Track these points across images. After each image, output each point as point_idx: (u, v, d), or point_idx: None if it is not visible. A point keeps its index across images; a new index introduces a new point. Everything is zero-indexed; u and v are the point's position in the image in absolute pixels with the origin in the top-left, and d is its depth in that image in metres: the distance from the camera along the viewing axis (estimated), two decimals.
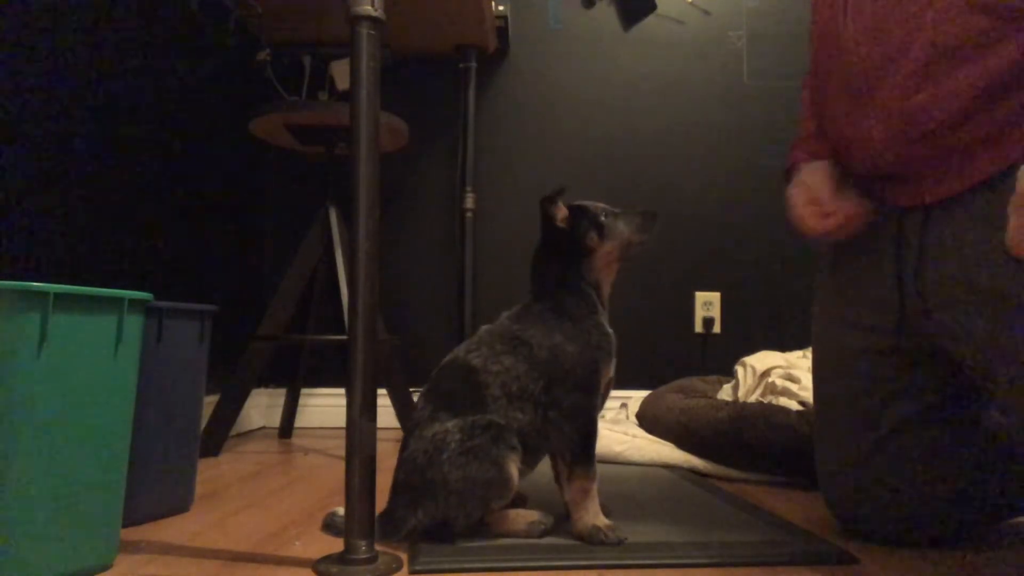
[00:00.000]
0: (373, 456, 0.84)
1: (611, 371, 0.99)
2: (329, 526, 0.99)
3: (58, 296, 0.77)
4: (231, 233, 2.06)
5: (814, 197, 1.00)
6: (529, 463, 0.97)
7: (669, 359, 2.23)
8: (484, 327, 1.03)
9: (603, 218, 1.01)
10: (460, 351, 1.00)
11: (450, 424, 0.92)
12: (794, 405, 1.48)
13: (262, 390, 2.16)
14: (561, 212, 1.01)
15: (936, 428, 0.95)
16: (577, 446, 0.94)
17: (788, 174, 1.08)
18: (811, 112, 1.09)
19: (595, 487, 0.94)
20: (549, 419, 0.95)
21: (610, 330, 0.99)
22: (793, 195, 1.02)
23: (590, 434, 0.94)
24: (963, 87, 0.82)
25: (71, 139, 1.33)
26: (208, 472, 1.42)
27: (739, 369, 1.76)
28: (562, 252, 1.01)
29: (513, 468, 0.91)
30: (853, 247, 1.02)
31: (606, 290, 1.03)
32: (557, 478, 1.01)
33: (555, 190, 1.00)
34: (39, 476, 0.76)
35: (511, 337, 0.97)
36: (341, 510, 1.00)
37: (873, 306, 0.98)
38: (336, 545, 0.87)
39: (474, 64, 2.23)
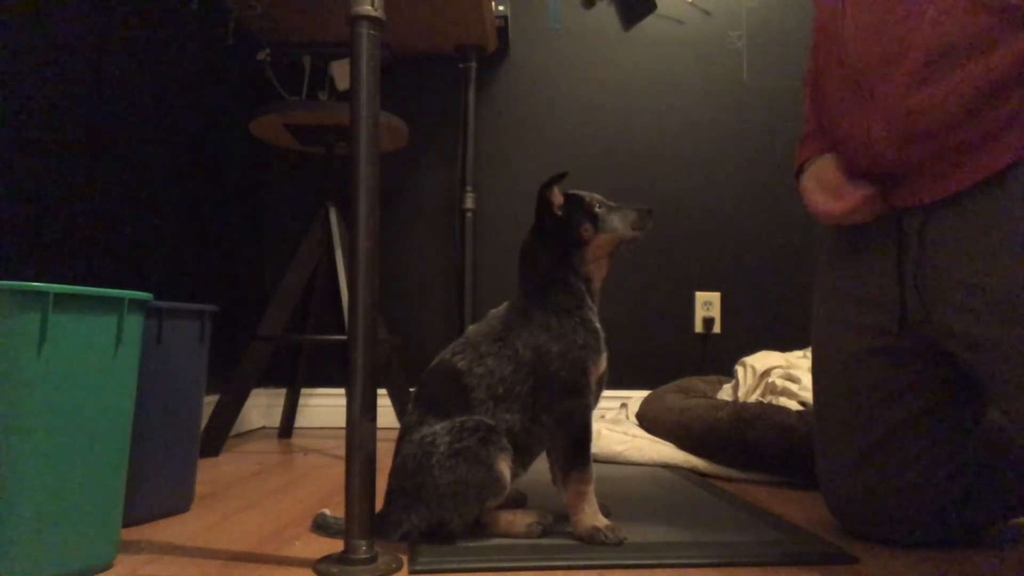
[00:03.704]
0: (373, 456, 0.84)
1: (602, 366, 0.97)
2: (320, 527, 0.99)
3: (58, 296, 0.77)
4: (231, 233, 2.06)
5: (826, 184, 1.00)
6: (522, 463, 0.97)
7: (669, 359, 2.23)
8: (471, 327, 1.03)
9: (598, 209, 0.99)
10: (446, 353, 0.99)
11: (438, 427, 0.92)
12: (794, 405, 1.48)
13: (262, 390, 2.16)
14: (557, 199, 0.99)
15: (936, 428, 0.95)
16: (571, 450, 0.93)
17: (798, 173, 1.08)
18: (813, 110, 1.09)
19: (591, 489, 0.93)
20: (542, 423, 0.94)
21: (598, 326, 0.98)
22: (807, 184, 1.03)
23: (584, 438, 0.94)
24: (964, 86, 0.82)
25: (70, 139, 1.33)
26: (208, 472, 1.42)
27: (739, 369, 1.76)
28: (554, 243, 0.99)
29: (504, 467, 0.91)
30: (853, 247, 1.02)
31: (597, 285, 1.01)
32: (555, 480, 1.01)
33: (554, 176, 0.98)
34: (39, 476, 0.76)
35: (496, 338, 0.96)
36: (329, 511, 1.00)
37: (874, 306, 0.98)
38: (336, 545, 0.87)
39: (474, 64, 2.23)
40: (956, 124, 0.83)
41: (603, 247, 1.00)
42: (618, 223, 1.00)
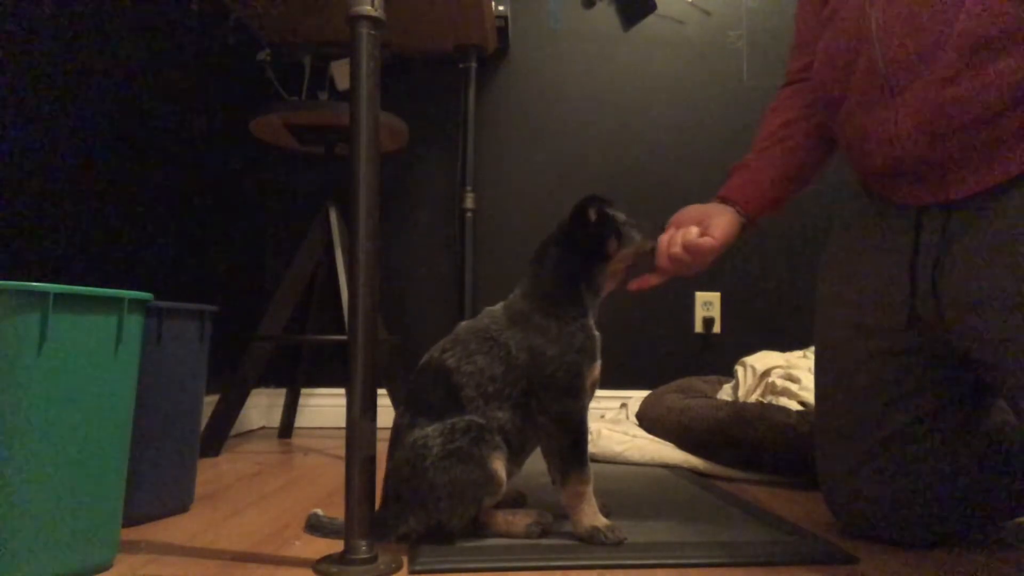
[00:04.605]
0: (373, 456, 0.84)
1: (595, 372, 0.98)
2: (314, 527, 0.99)
3: (58, 296, 0.77)
4: (231, 233, 2.06)
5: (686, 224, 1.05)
6: (515, 462, 0.97)
7: (669, 359, 2.23)
8: (463, 323, 1.02)
9: (623, 226, 1.02)
10: (435, 351, 0.99)
11: (429, 429, 0.91)
12: (794, 405, 1.48)
13: (262, 390, 2.16)
14: (592, 216, 1.01)
15: (939, 430, 0.95)
16: (568, 451, 0.93)
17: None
18: (765, 135, 1.12)
19: (590, 489, 0.93)
20: (536, 423, 0.94)
21: (596, 332, 0.99)
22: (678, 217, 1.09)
23: (580, 439, 0.94)
24: (1000, 80, 0.80)
25: (70, 139, 1.33)
26: (208, 472, 1.42)
27: (739, 369, 1.76)
28: (578, 254, 1.00)
29: (498, 465, 0.91)
30: (859, 247, 1.02)
31: (602, 297, 1.03)
32: (554, 480, 1.00)
33: (597, 197, 1.00)
34: (39, 476, 0.76)
35: (487, 337, 0.96)
36: (321, 511, 1.01)
37: (880, 307, 0.97)
38: (336, 545, 0.87)
39: (474, 64, 2.22)
40: (991, 118, 0.82)
41: (624, 260, 1.03)
42: (637, 236, 1.03)
